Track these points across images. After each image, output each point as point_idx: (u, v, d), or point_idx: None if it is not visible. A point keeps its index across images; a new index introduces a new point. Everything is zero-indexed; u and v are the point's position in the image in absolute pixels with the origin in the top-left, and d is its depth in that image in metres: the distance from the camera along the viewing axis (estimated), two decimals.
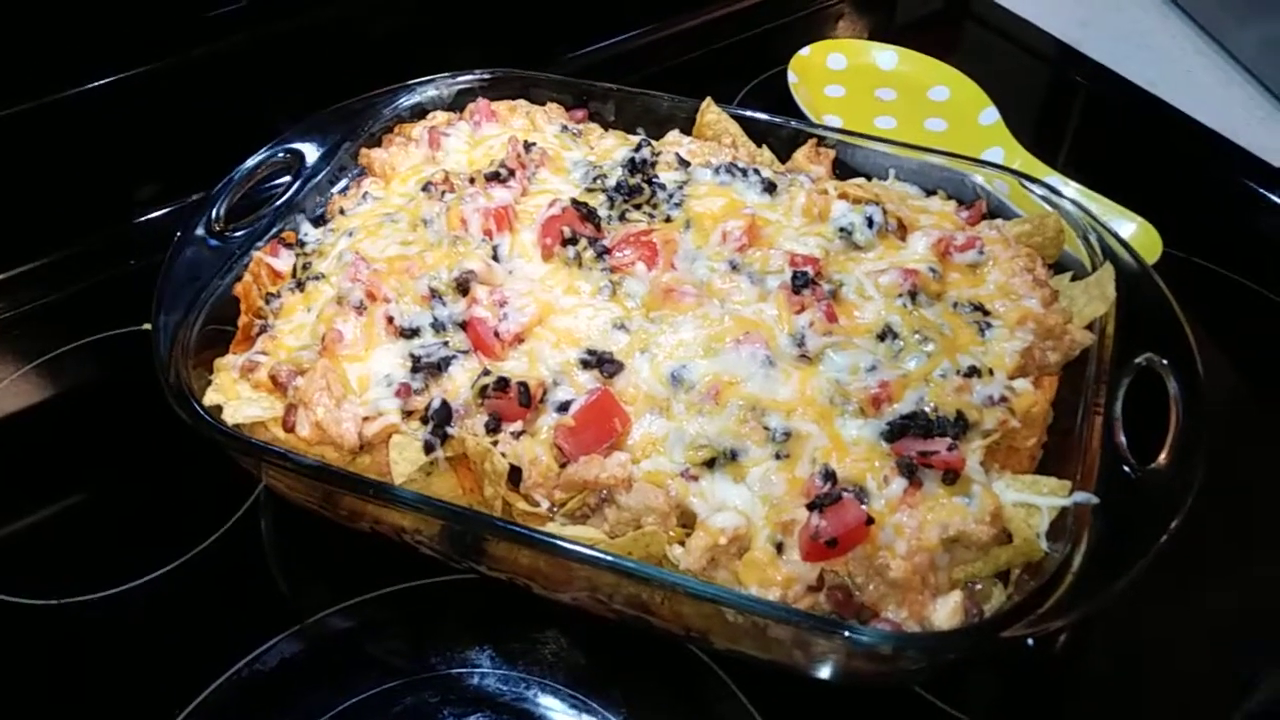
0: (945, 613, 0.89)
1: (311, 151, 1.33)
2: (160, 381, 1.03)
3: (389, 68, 1.48)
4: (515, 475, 0.96)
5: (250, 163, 1.27)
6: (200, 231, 1.19)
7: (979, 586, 0.93)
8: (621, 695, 1.02)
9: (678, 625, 0.97)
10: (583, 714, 1.01)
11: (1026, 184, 1.24)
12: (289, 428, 1.02)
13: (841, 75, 1.77)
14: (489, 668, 1.04)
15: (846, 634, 0.83)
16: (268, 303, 1.15)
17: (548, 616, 1.07)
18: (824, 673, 0.96)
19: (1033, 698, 1.06)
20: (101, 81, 1.47)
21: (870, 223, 1.16)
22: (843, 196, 1.20)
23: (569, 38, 1.91)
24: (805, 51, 1.77)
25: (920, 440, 0.95)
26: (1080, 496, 0.92)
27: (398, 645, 1.07)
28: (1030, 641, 0.93)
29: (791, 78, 1.71)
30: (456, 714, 1.01)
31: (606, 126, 1.41)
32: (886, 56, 1.79)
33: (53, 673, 1.06)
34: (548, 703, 1.02)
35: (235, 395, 1.06)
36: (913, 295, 1.09)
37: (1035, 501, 0.94)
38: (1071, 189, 1.44)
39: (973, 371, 1.01)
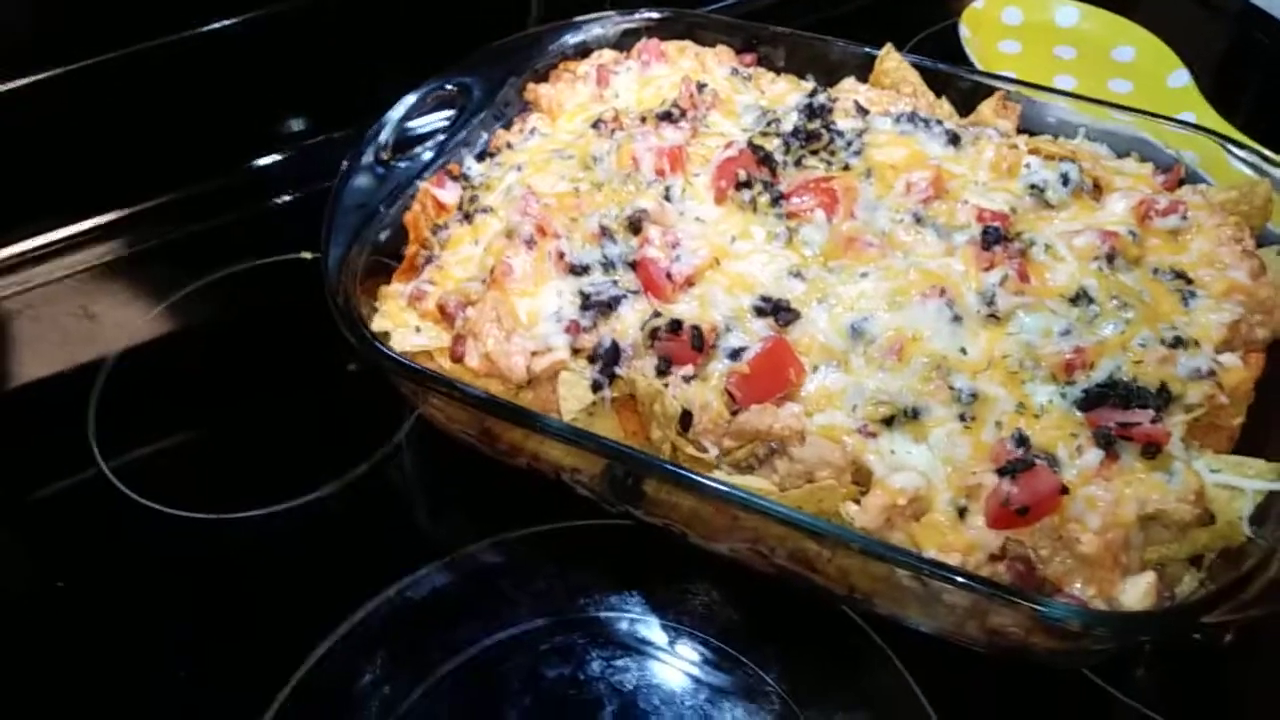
0: (1136, 594, 0.84)
1: (476, 86, 1.31)
2: (330, 305, 1.02)
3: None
4: (685, 420, 0.93)
5: (417, 94, 1.26)
6: (368, 159, 1.18)
7: (1168, 569, 0.88)
8: (774, 653, 0.99)
9: (841, 584, 0.94)
10: (734, 669, 0.99)
11: (1232, 149, 1.15)
12: (457, 358, 1.01)
13: (1017, 30, 1.67)
14: (638, 614, 1.03)
15: (1040, 607, 0.78)
16: (434, 234, 1.14)
17: (698, 567, 1.05)
18: (994, 646, 0.91)
19: (1205, 686, 1.00)
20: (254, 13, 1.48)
21: (1065, 180, 1.09)
22: (1034, 152, 1.14)
23: None
24: (979, 4, 1.69)
25: (1119, 410, 0.89)
26: None
27: (546, 584, 1.06)
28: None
29: (964, 31, 1.63)
30: (605, 657, 1.00)
31: (776, 71, 1.36)
32: (1067, 12, 1.69)
33: (208, 584, 1.08)
34: (697, 654, 1.00)
35: (402, 323, 1.05)
36: (1110, 259, 1.02)
37: (1240, 484, 0.88)
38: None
39: (1177, 342, 0.94)
